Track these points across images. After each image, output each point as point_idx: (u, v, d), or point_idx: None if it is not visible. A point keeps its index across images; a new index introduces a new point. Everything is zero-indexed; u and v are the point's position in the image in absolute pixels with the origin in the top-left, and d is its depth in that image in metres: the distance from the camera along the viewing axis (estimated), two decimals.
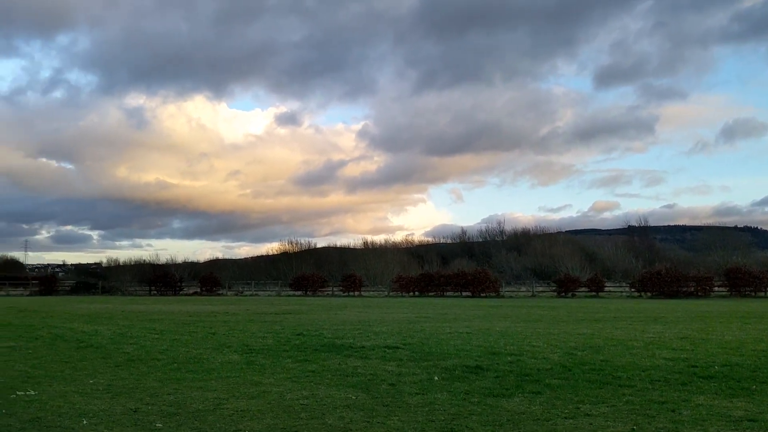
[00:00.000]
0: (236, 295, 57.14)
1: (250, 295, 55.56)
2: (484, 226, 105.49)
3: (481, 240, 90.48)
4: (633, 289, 48.40)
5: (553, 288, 51.45)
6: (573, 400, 7.33)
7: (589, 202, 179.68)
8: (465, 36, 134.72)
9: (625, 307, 29.49)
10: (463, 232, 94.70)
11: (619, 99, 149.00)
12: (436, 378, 8.87)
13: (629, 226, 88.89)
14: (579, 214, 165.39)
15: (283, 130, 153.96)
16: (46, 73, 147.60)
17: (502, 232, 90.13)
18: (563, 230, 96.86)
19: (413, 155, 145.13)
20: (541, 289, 54.45)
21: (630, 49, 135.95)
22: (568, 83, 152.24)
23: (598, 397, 7.45)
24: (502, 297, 48.22)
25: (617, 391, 7.85)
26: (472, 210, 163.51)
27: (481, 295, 49.18)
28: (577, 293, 49.64)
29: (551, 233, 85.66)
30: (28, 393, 7.97)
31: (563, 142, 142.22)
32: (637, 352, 11.52)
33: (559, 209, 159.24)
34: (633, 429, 6.02)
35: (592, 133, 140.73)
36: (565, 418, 6.48)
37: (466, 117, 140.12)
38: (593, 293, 49.16)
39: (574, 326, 17.48)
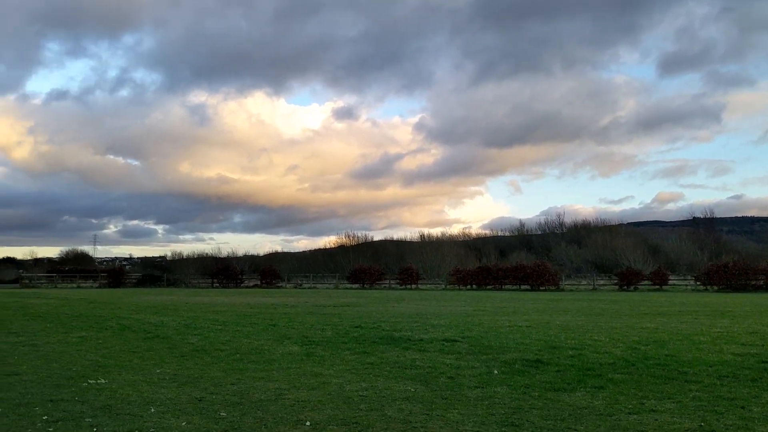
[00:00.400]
0: (295, 287, 57.94)
1: (309, 288, 56.26)
2: (543, 219, 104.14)
3: (540, 233, 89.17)
4: (698, 283, 46.95)
5: (615, 281, 50.34)
6: (637, 395, 7.17)
7: (652, 193, 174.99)
8: (523, 25, 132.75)
9: (690, 301, 28.64)
10: (522, 224, 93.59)
11: (684, 87, 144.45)
12: (495, 371, 8.81)
13: (694, 217, 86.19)
14: (641, 206, 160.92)
15: (340, 125, 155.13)
16: (113, 73, 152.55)
17: (561, 224, 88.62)
18: (625, 222, 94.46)
19: (470, 147, 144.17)
20: (602, 282, 53.38)
21: (696, 36, 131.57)
22: (630, 71, 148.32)
23: (664, 393, 7.27)
24: (562, 290, 47.48)
25: (683, 386, 7.65)
26: (531, 202, 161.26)
27: (541, 288, 48.54)
28: (639, 287, 48.47)
29: (612, 225, 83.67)
30: (98, 381, 8.28)
31: (625, 132, 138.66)
32: (703, 347, 11.19)
33: (620, 201, 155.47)
34: (701, 426, 5.86)
35: (655, 122, 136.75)
36: (629, 413, 6.35)
37: (524, 108, 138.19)
38: (656, 287, 47.89)
39: (637, 320, 17.08)
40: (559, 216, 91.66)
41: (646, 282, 49.01)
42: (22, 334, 14.22)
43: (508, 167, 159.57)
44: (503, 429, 5.78)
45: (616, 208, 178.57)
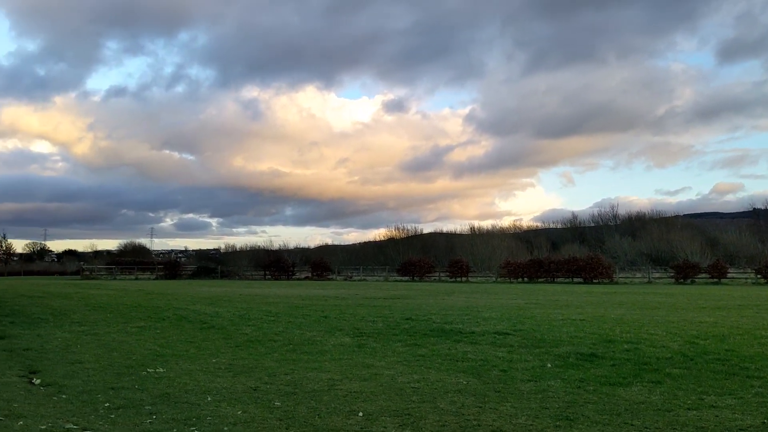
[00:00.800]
0: (345, 280, 58.33)
1: (359, 280, 56.56)
2: (596, 211, 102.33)
3: (593, 225, 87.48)
4: (759, 276, 45.45)
5: (671, 274, 49.16)
6: (696, 390, 6.99)
7: (710, 184, 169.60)
8: (577, 14, 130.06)
9: (750, 295, 27.74)
10: (574, 216, 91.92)
11: (744, 74, 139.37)
12: (548, 365, 8.71)
13: (754, 208, 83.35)
14: (699, 197, 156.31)
15: (390, 117, 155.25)
16: (168, 69, 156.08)
17: (615, 216, 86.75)
18: (681, 214, 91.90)
19: (522, 138, 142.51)
20: (657, 275, 52.16)
21: (756, 21, 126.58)
22: (687, 59, 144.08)
23: (724, 389, 7.07)
24: (616, 283, 46.59)
25: (745, 382, 7.42)
26: (584, 194, 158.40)
27: (594, 281, 47.75)
28: (696, 280, 47.21)
29: (668, 217, 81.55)
30: (157, 370, 8.50)
31: (682, 122, 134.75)
32: (766, 341, 10.84)
33: (677, 192, 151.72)
34: (764, 423, 5.68)
35: (714, 111, 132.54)
36: (688, 409, 6.19)
37: (577, 98, 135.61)
38: (715, 280, 46.56)
39: (694, 314, 16.65)
40: (612, 208, 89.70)
41: (703, 275, 47.73)
42: (85, 324, 14.70)
43: (560, 158, 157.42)
44: (557, 423, 5.72)
45: (673, 200, 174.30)
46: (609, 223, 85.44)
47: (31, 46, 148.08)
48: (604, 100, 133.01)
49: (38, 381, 7.75)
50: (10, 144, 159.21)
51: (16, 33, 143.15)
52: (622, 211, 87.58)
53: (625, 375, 7.91)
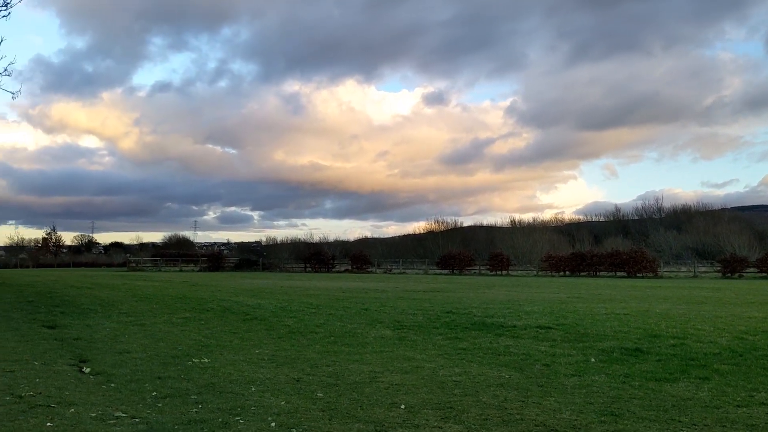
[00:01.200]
0: (385, 272, 58.42)
1: (398, 273, 56.60)
2: (640, 203, 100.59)
3: (636, 218, 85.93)
4: None
5: (717, 268, 47.97)
6: (746, 387, 6.83)
7: (760, 175, 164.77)
8: (620, 4, 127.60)
9: None
10: (617, 209, 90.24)
11: None
12: (592, 360, 8.60)
13: None
14: (747, 189, 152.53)
15: (430, 110, 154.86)
16: (212, 65, 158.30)
17: (659, 209, 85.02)
18: (729, 207, 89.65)
19: (564, 130, 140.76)
20: (703, 269, 50.97)
21: None
22: (736, 49, 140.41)
23: None
24: (661, 277, 45.70)
25: None
26: (627, 186, 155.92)
27: (638, 275, 46.91)
28: (744, 274, 46.00)
29: (715, 210, 79.69)
30: (202, 360, 8.65)
31: (730, 112, 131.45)
32: None
33: (724, 184, 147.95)
34: None
35: (763, 101, 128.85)
36: (738, 406, 6.05)
37: (621, 89, 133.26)
38: (763, 274, 45.31)
39: (743, 309, 16.23)
40: (657, 200, 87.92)
41: (751, 269, 46.48)
42: (131, 315, 15.03)
43: (603, 150, 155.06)
44: (602, 418, 5.64)
45: (720, 192, 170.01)
46: (653, 216, 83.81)
47: (80, 43, 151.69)
48: (649, 90, 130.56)
49: (88, 370, 7.96)
50: (60, 139, 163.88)
51: (65, 31, 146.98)
52: (666, 204, 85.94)
53: (671, 370, 7.76)
